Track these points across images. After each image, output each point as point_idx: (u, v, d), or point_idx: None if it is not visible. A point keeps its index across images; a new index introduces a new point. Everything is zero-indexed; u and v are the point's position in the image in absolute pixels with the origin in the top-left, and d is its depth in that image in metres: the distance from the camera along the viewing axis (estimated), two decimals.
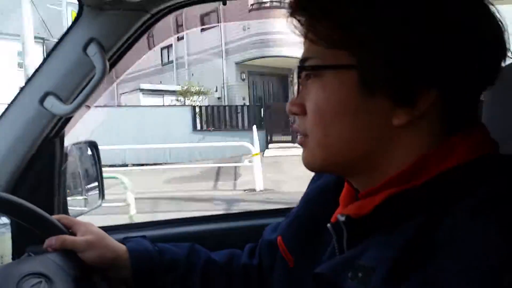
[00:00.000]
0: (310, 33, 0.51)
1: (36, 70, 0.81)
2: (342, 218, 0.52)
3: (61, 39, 0.80)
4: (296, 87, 0.55)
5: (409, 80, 0.46)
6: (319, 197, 0.69)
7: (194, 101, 15.67)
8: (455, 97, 0.48)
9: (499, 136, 0.52)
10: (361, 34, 0.47)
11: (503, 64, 0.50)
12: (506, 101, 0.65)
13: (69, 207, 1.01)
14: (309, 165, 0.55)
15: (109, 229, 0.96)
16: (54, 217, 0.77)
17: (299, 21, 0.51)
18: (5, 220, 0.78)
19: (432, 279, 0.38)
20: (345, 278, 0.47)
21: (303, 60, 0.53)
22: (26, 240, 0.83)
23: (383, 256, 0.44)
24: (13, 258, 0.81)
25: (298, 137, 0.56)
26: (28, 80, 0.82)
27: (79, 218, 0.95)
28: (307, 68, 0.53)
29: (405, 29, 0.46)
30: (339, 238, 0.53)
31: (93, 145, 1.07)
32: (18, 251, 0.83)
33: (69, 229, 0.78)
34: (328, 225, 0.55)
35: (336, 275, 0.49)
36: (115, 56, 0.88)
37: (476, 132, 0.50)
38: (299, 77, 0.54)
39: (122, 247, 0.79)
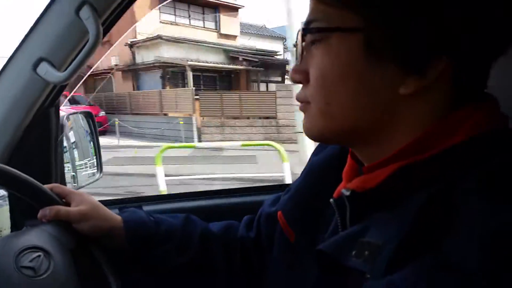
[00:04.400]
0: None
1: (28, 33, 0.76)
2: (347, 193, 0.50)
3: (52, 0, 0.75)
4: (300, 51, 0.52)
5: (419, 46, 0.43)
6: (320, 171, 0.67)
7: None
8: (466, 66, 0.45)
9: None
10: None
11: None
12: None
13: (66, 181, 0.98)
14: (309, 133, 0.52)
15: (106, 203, 0.94)
16: (47, 187, 0.75)
17: None
18: (2, 192, 0.75)
19: (440, 259, 0.37)
20: (348, 256, 0.45)
21: (307, 22, 0.50)
22: (25, 212, 0.81)
23: (389, 232, 0.43)
24: (12, 231, 0.79)
25: (300, 104, 0.53)
26: (21, 44, 0.77)
27: None
28: (311, 30, 0.49)
29: None
30: (342, 214, 0.52)
31: (89, 116, 1.03)
32: (17, 224, 0.81)
33: (63, 199, 0.76)
34: (331, 200, 0.53)
35: (339, 253, 0.47)
36: (109, 20, 0.83)
37: (486, 105, 0.48)
38: (303, 40, 0.51)
39: (117, 217, 0.77)
